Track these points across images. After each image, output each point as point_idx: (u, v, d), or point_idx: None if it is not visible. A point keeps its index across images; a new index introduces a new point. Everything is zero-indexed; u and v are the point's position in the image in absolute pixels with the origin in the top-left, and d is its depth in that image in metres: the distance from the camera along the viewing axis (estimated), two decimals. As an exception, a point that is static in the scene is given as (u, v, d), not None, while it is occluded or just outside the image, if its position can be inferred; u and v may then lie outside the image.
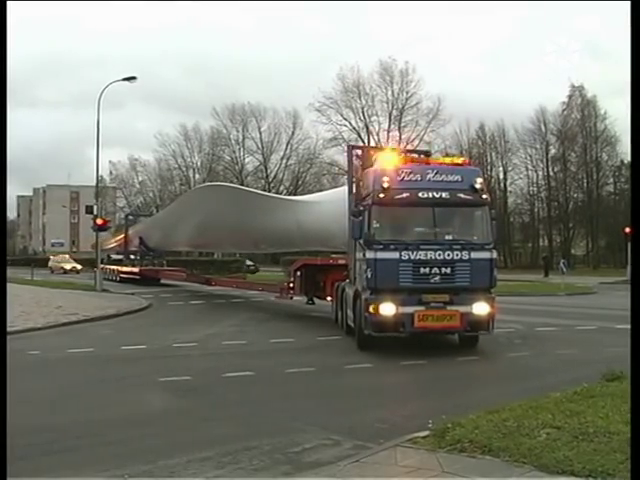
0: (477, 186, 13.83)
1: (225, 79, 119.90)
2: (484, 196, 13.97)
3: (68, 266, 61.90)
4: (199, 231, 32.94)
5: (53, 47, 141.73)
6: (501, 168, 79.87)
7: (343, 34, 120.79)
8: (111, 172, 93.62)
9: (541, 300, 29.69)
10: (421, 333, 13.94)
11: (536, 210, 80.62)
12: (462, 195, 13.69)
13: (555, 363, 12.77)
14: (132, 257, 44.22)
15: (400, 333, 13.60)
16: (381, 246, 13.53)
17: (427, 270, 13.43)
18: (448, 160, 15.18)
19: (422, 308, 13.39)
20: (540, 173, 78.81)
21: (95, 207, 37.35)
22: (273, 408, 9.32)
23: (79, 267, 61.67)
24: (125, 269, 43.15)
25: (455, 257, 13.50)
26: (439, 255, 13.44)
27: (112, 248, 50.34)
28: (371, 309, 13.52)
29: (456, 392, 10.36)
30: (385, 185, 13.58)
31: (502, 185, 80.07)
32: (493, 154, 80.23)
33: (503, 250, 79.95)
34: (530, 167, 78.97)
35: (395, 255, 13.41)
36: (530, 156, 78.55)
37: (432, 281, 13.45)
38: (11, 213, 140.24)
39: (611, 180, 76.92)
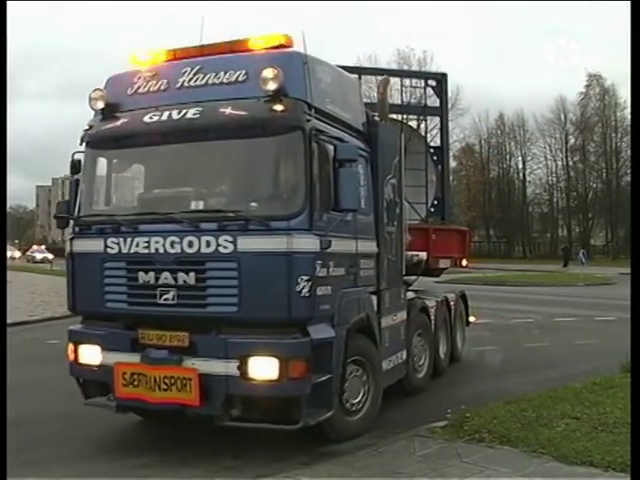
0: (269, 86, 6.30)
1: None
2: (279, 107, 6.29)
3: None
4: None
5: (35, 40, 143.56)
6: (520, 158, 79.35)
7: (358, 23, 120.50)
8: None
9: (560, 290, 29.52)
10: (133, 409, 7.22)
11: (555, 200, 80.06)
12: (231, 110, 6.42)
13: (574, 353, 12.69)
14: None
15: (111, 402, 6.98)
16: (77, 228, 7.16)
17: (151, 278, 6.59)
18: (238, 44, 7.10)
19: (134, 358, 6.63)
20: (559, 163, 78.13)
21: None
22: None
23: None
24: None
25: (204, 249, 6.37)
26: (172, 245, 6.48)
27: None
28: (69, 352, 7.21)
29: (474, 382, 10.33)
30: (98, 105, 7.14)
31: (521, 175, 79.68)
32: (512, 144, 79.67)
33: (522, 240, 79.94)
34: (549, 157, 78.32)
35: (98, 246, 6.87)
36: (549, 146, 77.91)
37: (162, 301, 6.52)
38: (30, 203, 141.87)
39: (631, 170, 76.12)
